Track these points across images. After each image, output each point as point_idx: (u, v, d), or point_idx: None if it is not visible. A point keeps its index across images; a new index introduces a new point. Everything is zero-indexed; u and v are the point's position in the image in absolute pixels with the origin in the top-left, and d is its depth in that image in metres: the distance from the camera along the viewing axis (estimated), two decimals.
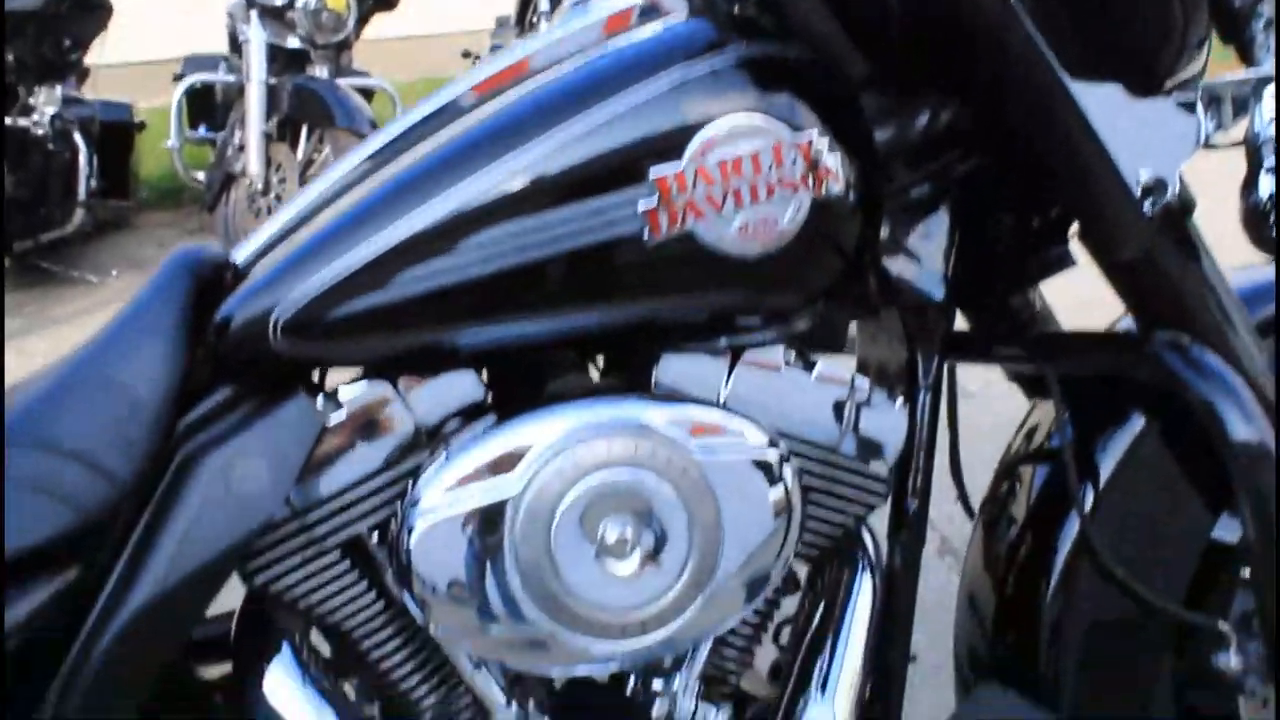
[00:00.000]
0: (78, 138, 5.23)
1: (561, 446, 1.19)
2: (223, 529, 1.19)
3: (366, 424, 1.23)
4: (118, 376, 1.19)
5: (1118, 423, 1.55)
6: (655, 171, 1.16)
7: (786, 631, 1.54)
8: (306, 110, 4.81)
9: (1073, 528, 1.55)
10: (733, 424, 1.23)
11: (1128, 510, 1.55)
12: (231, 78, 5.40)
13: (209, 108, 5.73)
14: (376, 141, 1.28)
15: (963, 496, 1.61)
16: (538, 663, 1.24)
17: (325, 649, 1.33)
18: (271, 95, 4.89)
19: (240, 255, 1.26)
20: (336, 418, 1.22)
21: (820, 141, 1.19)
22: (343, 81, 4.99)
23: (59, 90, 5.27)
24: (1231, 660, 1.51)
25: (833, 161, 1.19)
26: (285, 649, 1.26)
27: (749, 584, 1.25)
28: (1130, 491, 1.55)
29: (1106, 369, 1.44)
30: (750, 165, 1.17)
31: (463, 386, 1.24)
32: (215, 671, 1.39)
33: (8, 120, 5.07)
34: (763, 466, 1.24)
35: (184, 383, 1.19)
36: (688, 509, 1.21)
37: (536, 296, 1.18)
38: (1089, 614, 1.54)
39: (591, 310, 1.20)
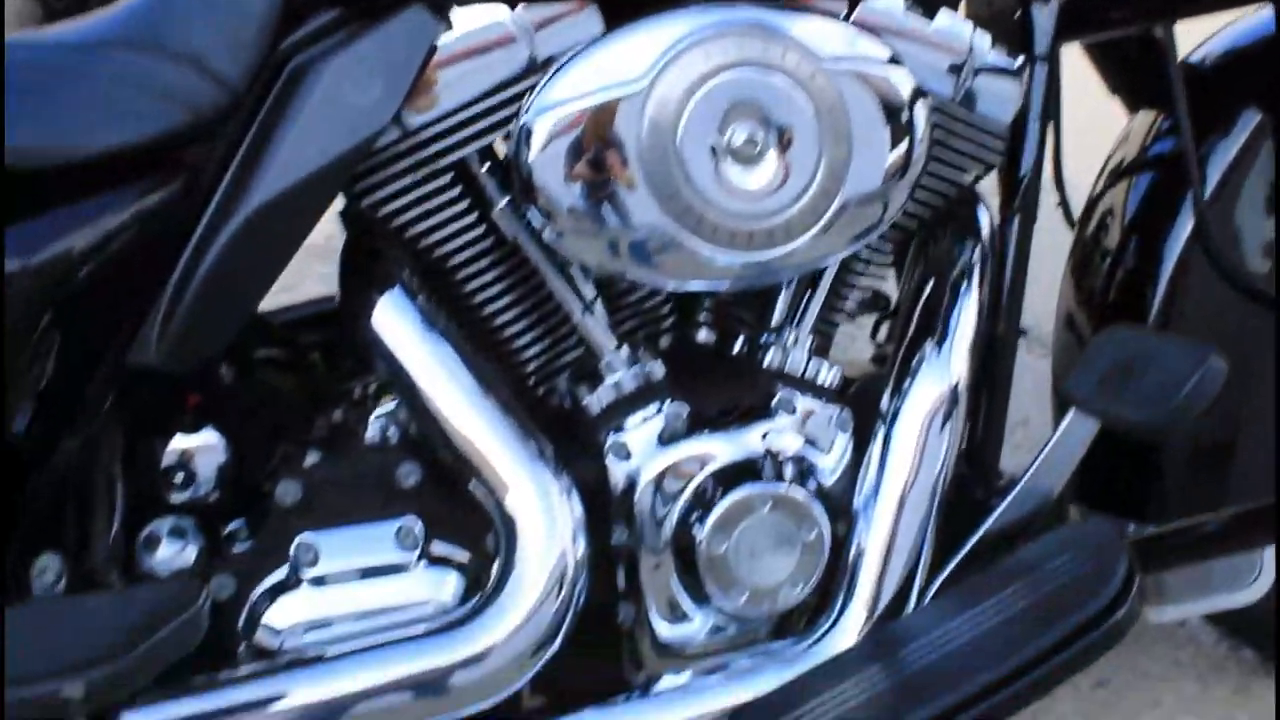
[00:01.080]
0: None
1: (691, 41, 1.14)
2: (332, 140, 1.15)
3: (481, 45, 1.19)
4: None
5: (1232, 119, 1.51)
6: None
7: (884, 331, 1.52)
8: None
9: (1181, 229, 1.51)
10: (863, 42, 1.20)
11: (1238, 209, 1.51)
12: None
13: None
14: None
15: (1064, 202, 1.57)
16: (658, 274, 1.21)
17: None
18: None
19: None
20: (450, 36, 1.18)
21: None
22: None
23: None
24: None
25: None
26: (393, 281, 1.22)
27: (872, 209, 1.22)
28: (1240, 190, 1.51)
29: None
30: None
31: (584, 20, 1.20)
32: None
33: None
34: (892, 88, 1.20)
35: None
36: (818, 117, 1.17)
37: None
38: (1197, 317, 1.50)
39: None
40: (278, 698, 1.16)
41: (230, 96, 1.14)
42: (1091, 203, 1.62)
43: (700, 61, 1.15)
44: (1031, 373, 2.04)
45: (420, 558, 1.23)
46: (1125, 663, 1.73)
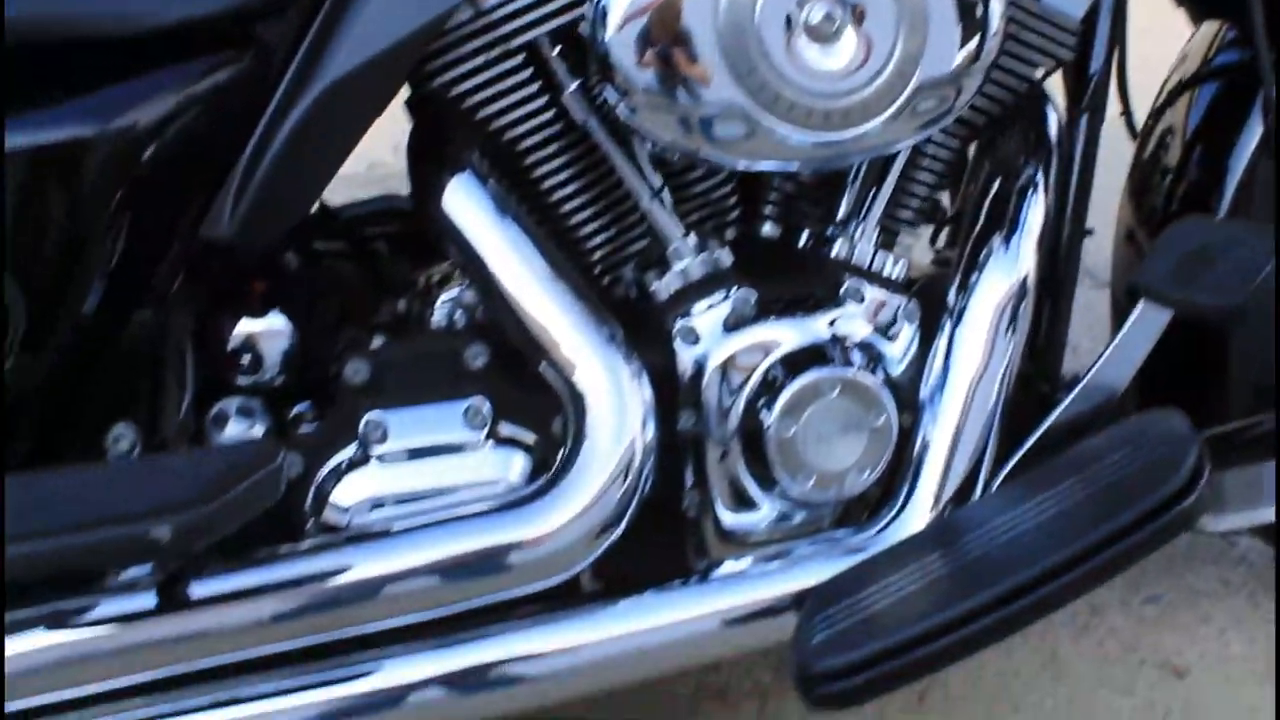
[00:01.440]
0: None
1: None
2: (406, 17, 1.15)
3: None
4: None
5: None
6: None
7: (942, 239, 1.52)
8: None
9: (1249, 138, 1.50)
10: None
11: None
12: None
13: None
14: None
15: (1127, 112, 1.56)
16: (731, 152, 1.20)
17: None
18: None
19: None
20: None
21: None
22: None
23: None
24: None
25: None
26: (464, 164, 1.22)
27: (945, 95, 1.21)
28: None
29: None
30: None
31: None
32: None
33: None
34: None
35: None
36: None
37: None
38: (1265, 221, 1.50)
39: None
40: (342, 570, 1.18)
41: None
42: (1155, 113, 1.61)
43: None
44: (1080, 304, 2.04)
45: (488, 438, 1.24)
46: (1175, 581, 1.73)
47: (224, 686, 1.18)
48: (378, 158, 1.69)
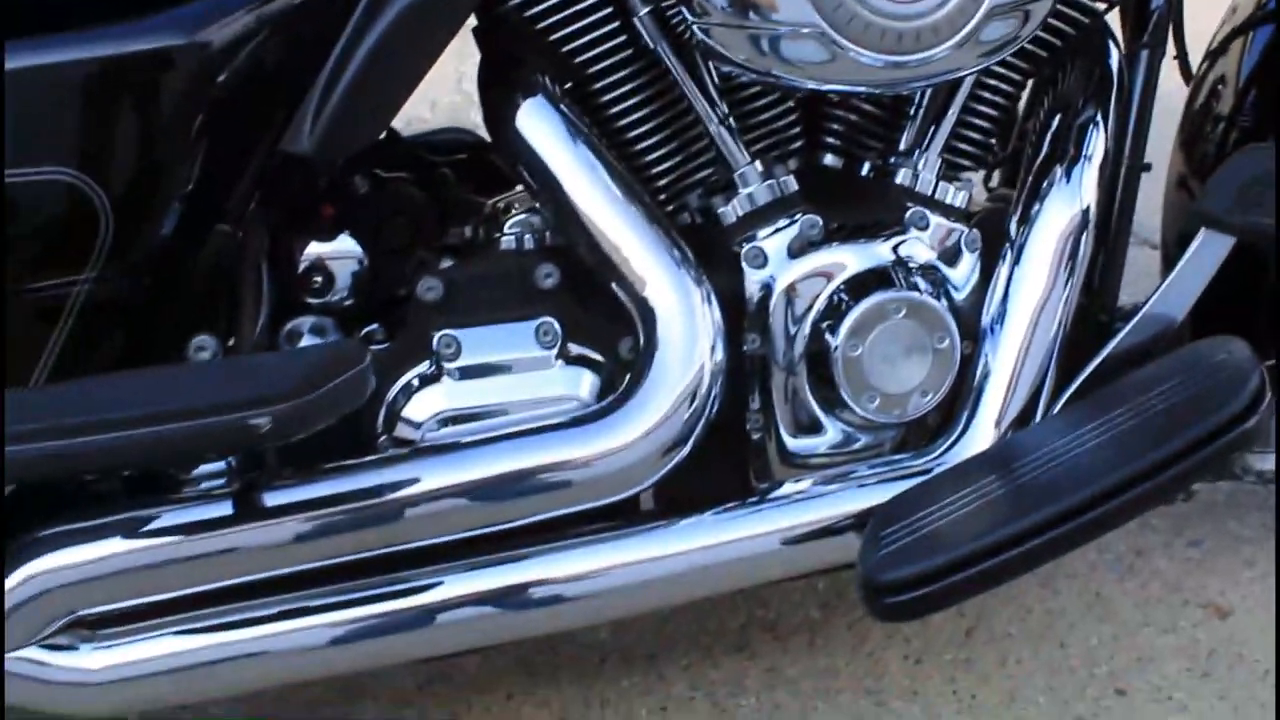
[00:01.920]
0: None
1: None
2: None
3: None
4: None
5: None
6: None
7: (995, 179, 1.54)
8: None
9: None
10: None
11: None
12: None
13: None
14: None
15: (1182, 54, 1.57)
16: (802, 73, 1.22)
17: None
18: None
19: None
20: None
21: None
22: None
23: None
24: None
25: None
26: (535, 87, 1.24)
27: (1012, 21, 1.23)
28: None
29: None
30: None
31: None
32: None
33: None
34: None
35: None
36: None
37: None
38: None
39: None
40: (411, 482, 1.20)
41: None
42: (1208, 57, 1.62)
43: None
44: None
45: (558, 356, 1.26)
46: (1217, 526, 1.75)
47: (290, 598, 1.21)
48: (415, 113, 1.71)
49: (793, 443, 1.31)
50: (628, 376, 1.24)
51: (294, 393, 1.03)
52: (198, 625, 1.20)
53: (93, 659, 1.16)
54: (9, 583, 1.11)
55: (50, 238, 1.11)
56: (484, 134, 1.36)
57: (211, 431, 1.03)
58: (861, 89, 1.27)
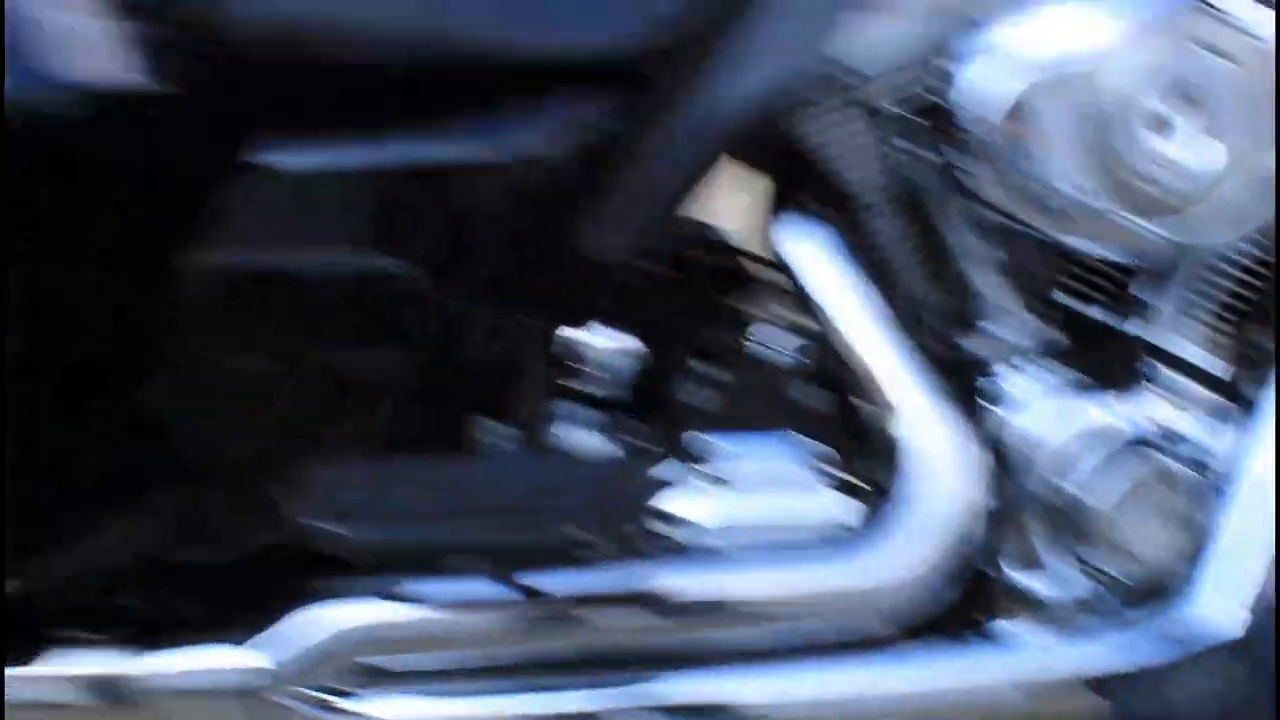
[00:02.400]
0: None
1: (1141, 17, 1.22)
2: (788, 74, 1.24)
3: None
4: None
5: None
6: None
7: None
8: None
9: None
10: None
11: None
12: None
13: None
14: None
15: None
16: (1067, 233, 1.27)
17: None
18: None
19: None
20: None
21: None
22: None
23: None
24: None
25: None
26: (797, 204, 1.30)
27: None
28: None
29: None
30: None
31: None
32: None
33: None
34: None
35: None
36: (1251, 98, 1.23)
37: None
38: None
39: None
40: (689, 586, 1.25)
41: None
42: None
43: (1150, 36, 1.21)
44: None
45: (809, 475, 1.30)
46: None
47: (534, 682, 1.26)
48: None
49: (1021, 583, 1.32)
50: (887, 508, 1.27)
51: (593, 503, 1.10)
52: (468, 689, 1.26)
53: (382, 707, 1.23)
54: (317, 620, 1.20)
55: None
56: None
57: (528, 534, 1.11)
58: (1128, 258, 1.30)
